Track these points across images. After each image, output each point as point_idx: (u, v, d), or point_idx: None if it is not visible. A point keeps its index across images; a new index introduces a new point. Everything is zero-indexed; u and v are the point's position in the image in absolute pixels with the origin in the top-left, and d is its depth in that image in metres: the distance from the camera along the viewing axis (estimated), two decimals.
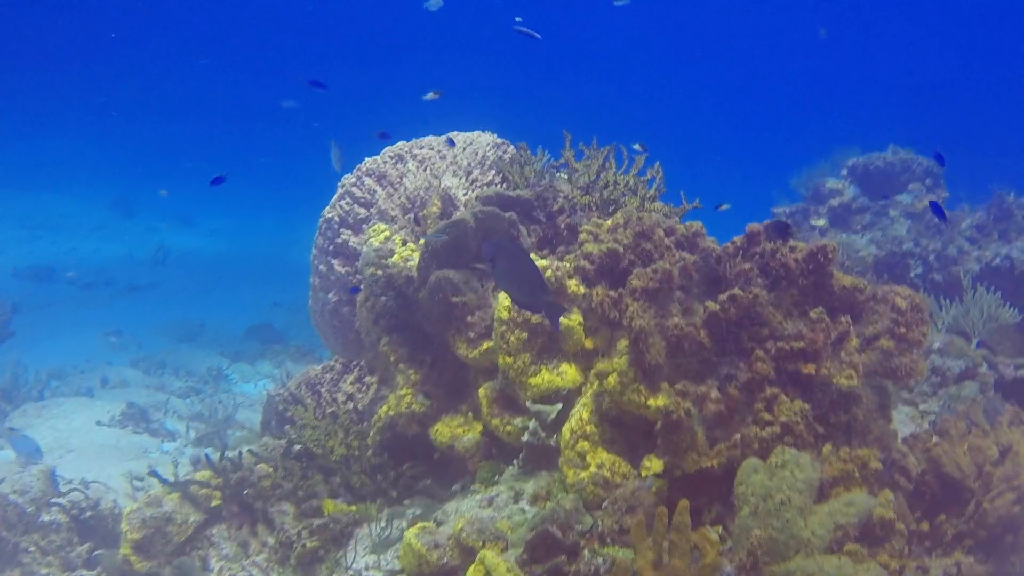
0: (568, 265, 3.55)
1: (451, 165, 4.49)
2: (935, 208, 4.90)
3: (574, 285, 3.52)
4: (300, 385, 5.15)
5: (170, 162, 26.63)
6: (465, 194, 4.28)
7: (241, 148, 31.15)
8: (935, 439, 3.65)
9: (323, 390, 5.04)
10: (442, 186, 4.23)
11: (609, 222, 3.92)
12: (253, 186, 25.03)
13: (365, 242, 4.18)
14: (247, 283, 16.35)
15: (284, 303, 14.68)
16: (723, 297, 2.95)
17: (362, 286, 4.11)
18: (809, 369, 2.91)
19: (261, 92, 30.32)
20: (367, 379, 4.92)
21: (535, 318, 3.44)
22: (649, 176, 4.20)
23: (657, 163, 4.28)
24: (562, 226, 4.15)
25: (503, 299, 3.52)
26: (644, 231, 3.23)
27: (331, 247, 4.65)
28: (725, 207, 4.86)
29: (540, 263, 3.54)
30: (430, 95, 4.91)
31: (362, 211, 4.57)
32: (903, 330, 2.95)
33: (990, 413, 4.14)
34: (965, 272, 6.82)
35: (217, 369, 10.30)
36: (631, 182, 4.22)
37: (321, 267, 4.70)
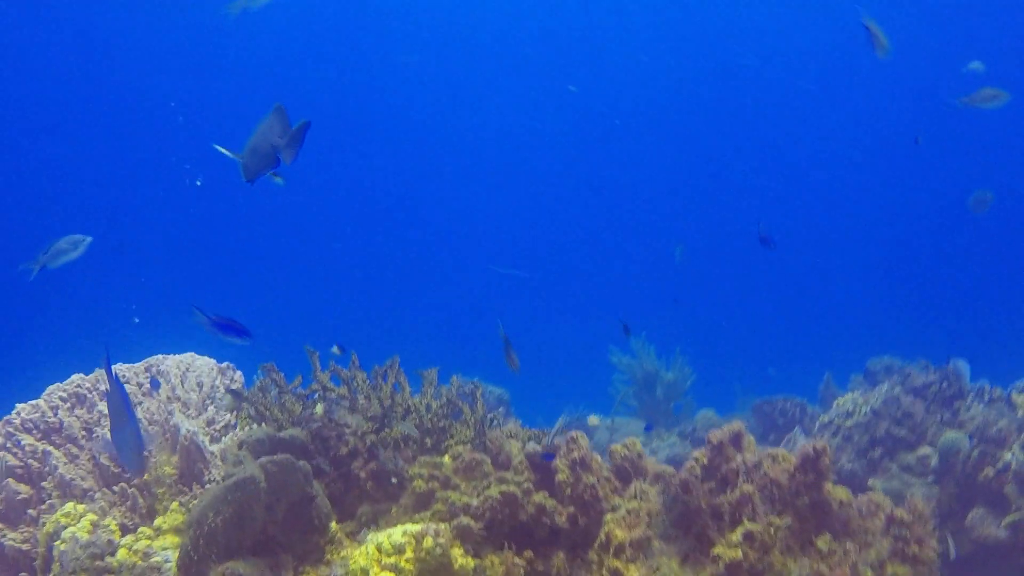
0: (446, 528, 2.41)
1: (173, 403, 3.06)
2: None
3: (460, 556, 2.38)
4: None
5: None
6: (214, 442, 2.88)
7: None
8: None
9: None
10: (185, 432, 2.79)
11: (447, 459, 2.89)
12: None
13: (53, 535, 2.53)
14: None
15: None
16: (735, 538, 2.11)
17: None
18: None
19: None
20: None
21: None
22: (452, 390, 3.23)
23: (454, 377, 3.35)
24: (362, 475, 2.98)
25: None
26: (582, 459, 2.30)
27: None
28: None
29: (411, 527, 2.35)
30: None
31: (24, 489, 2.84)
32: (914, 549, 2.36)
33: None
34: None
35: None
36: (435, 406, 3.22)
37: None
